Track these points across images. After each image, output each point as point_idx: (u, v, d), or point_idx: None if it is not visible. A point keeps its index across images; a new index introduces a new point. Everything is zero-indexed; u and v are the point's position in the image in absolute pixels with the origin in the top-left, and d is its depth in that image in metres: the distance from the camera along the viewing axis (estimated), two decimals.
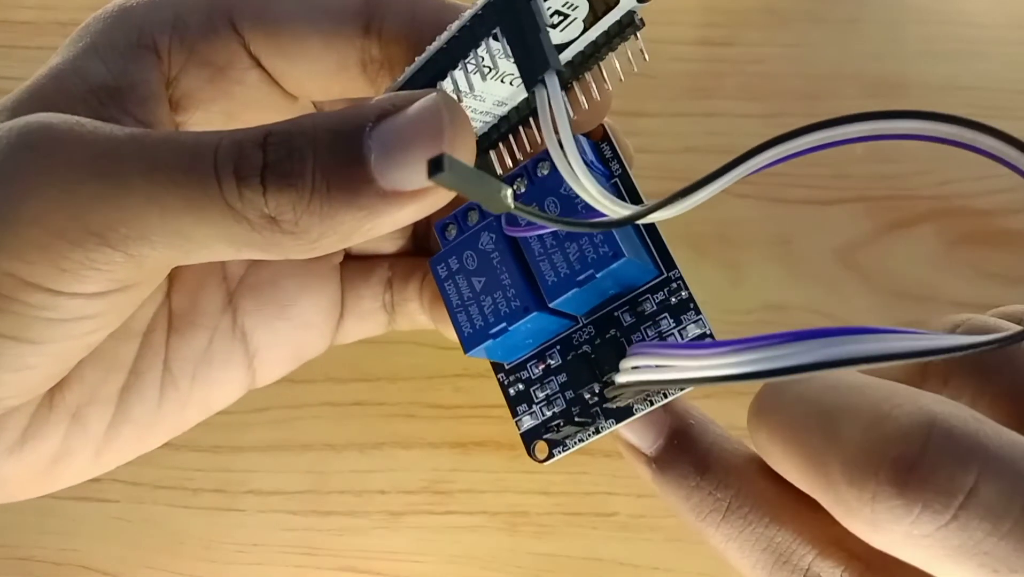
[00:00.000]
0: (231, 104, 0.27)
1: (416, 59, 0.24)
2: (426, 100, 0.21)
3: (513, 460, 0.40)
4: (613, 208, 0.22)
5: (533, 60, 0.22)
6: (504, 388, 0.29)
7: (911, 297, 0.41)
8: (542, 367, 0.28)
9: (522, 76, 0.22)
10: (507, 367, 0.29)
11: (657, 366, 0.22)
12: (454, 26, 0.23)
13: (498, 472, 0.40)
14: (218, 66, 0.26)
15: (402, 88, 0.24)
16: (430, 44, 0.24)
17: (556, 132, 0.22)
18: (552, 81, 0.22)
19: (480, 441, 0.41)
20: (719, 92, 0.46)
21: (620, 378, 0.24)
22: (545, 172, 0.26)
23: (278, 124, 0.22)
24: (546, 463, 0.28)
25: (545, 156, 0.26)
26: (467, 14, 0.23)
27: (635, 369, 0.23)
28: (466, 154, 0.22)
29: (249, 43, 0.26)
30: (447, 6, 0.25)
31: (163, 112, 0.26)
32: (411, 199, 0.21)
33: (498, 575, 0.39)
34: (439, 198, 0.22)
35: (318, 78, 0.26)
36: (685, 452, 0.26)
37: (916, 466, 0.19)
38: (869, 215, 0.43)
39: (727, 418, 0.35)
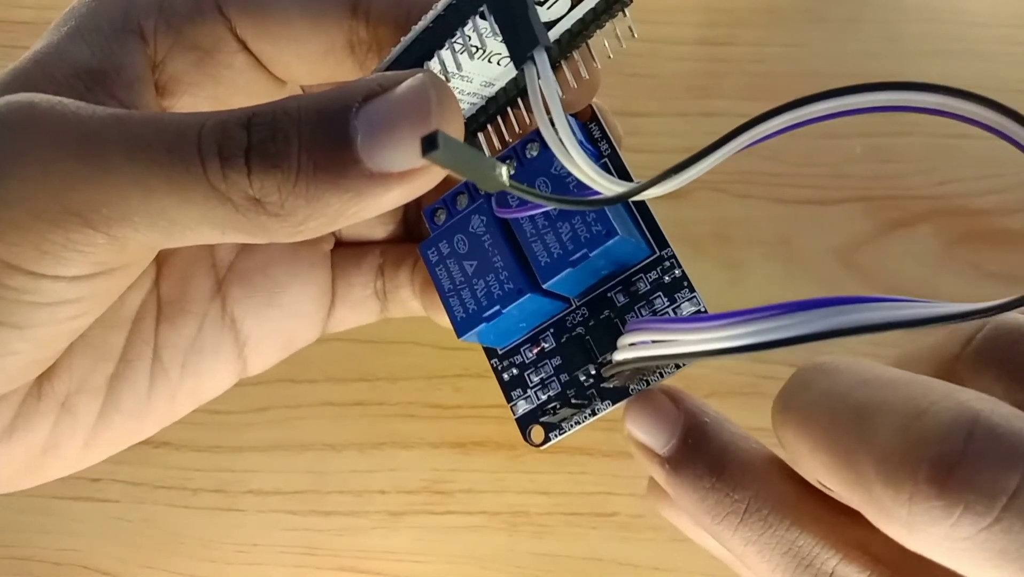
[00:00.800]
0: (218, 89, 0.27)
1: (402, 39, 0.23)
2: (413, 80, 0.21)
3: (513, 460, 0.40)
4: (607, 185, 0.22)
5: (521, 37, 0.21)
6: (498, 373, 0.29)
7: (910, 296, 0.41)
8: (536, 351, 0.28)
9: (510, 54, 0.22)
10: (500, 352, 0.29)
11: (655, 341, 0.22)
12: (440, 5, 0.22)
13: (498, 472, 0.40)
14: (205, 50, 0.26)
15: (389, 69, 0.24)
16: (417, 24, 0.23)
17: (546, 110, 0.22)
18: (541, 58, 0.21)
19: (480, 441, 0.41)
20: (718, 92, 0.45)
21: (618, 355, 0.23)
22: (534, 153, 0.26)
23: (263, 105, 0.22)
24: (543, 447, 0.28)
25: (534, 137, 0.26)
26: None
27: (633, 346, 0.23)
28: (454, 135, 0.21)
29: (236, 26, 0.26)
30: None
31: (149, 96, 0.25)
32: (398, 181, 0.21)
33: (498, 575, 0.39)
34: (426, 180, 0.21)
35: (306, 61, 0.26)
36: (700, 452, 0.25)
37: (957, 465, 0.18)
38: (868, 215, 0.43)
39: (732, 418, 0.34)
